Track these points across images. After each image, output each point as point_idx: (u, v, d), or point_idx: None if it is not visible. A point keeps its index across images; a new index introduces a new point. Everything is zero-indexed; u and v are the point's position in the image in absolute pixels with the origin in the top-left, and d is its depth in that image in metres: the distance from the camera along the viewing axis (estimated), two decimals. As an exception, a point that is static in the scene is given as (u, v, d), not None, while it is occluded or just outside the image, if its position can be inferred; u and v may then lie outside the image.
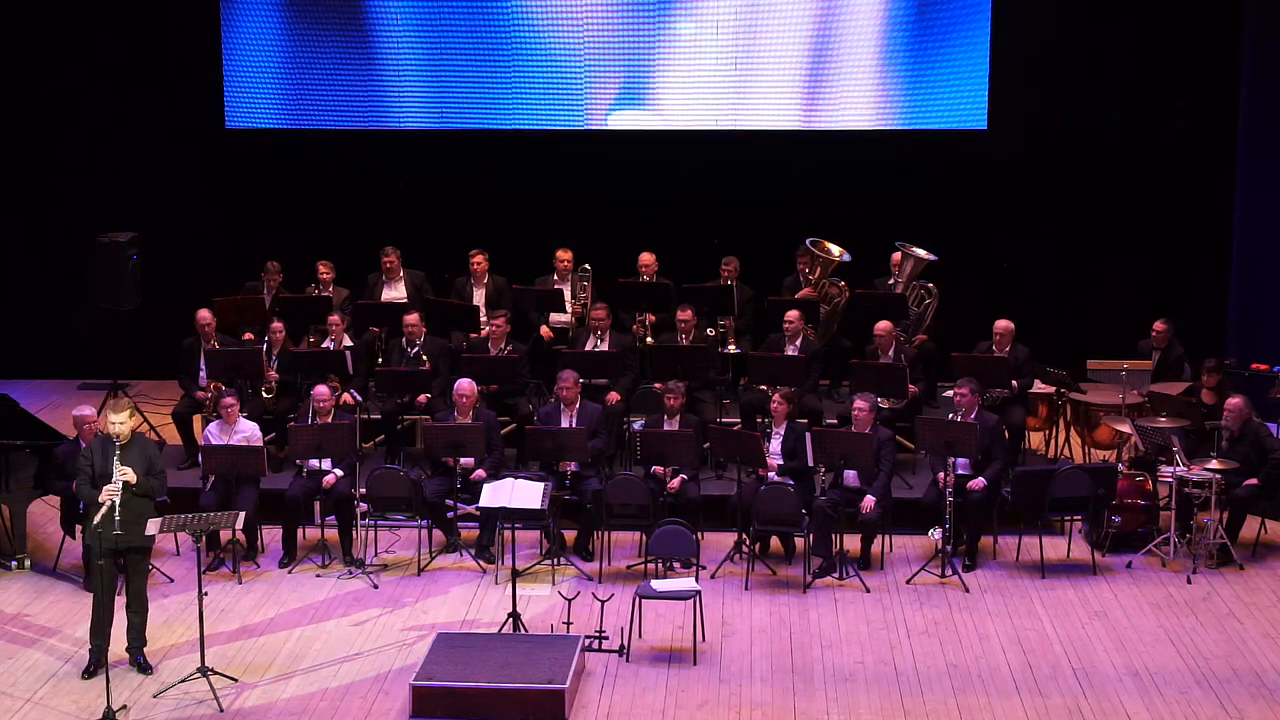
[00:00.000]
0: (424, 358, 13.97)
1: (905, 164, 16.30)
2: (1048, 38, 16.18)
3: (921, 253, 14.65)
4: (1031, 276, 16.40)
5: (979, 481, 12.39)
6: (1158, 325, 14.34)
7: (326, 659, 11.02)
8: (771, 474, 12.41)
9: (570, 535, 12.80)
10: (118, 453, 10.37)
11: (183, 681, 10.51)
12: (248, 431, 12.71)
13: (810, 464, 12.32)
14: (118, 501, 10.26)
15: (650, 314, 14.71)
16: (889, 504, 12.46)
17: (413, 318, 14.09)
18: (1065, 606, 11.82)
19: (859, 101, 16.20)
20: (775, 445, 12.60)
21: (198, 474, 12.97)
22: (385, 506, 12.62)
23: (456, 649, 10.56)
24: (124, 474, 10.33)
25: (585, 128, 16.46)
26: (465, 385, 12.80)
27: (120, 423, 10.41)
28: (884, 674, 10.75)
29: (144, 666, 10.76)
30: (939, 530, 12.25)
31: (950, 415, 12.72)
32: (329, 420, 12.68)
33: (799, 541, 12.49)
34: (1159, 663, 10.89)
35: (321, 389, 12.82)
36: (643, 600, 11.26)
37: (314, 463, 12.70)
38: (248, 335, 14.84)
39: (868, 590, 12.07)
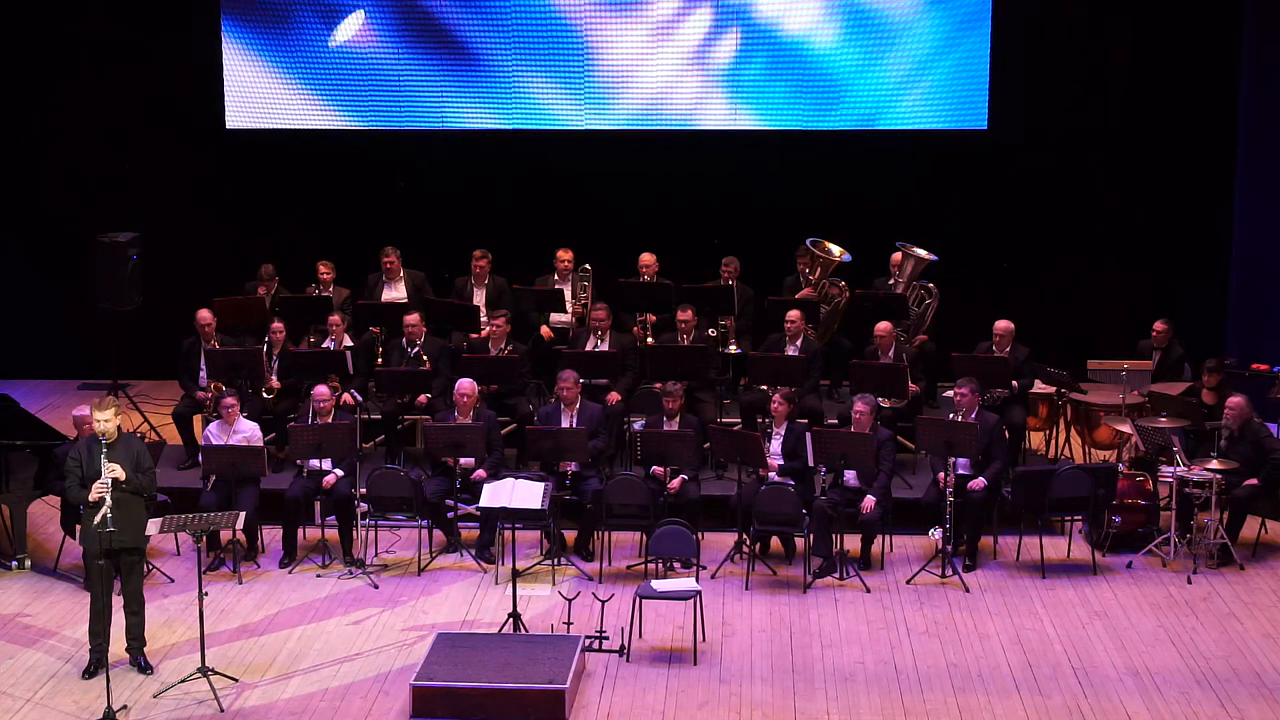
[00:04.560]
0: (424, 358, 13.98)
1: (905, 164, 16.31)
2: (1048, 37, 16.18)
3: (921, 253, 14.65)
4: (1031, 276, 16.40)
5: (979, 481, 12.40)
6: (1158, 325, 14.35)
7: (326, 659, 11.02)
8: (772, 474, 12.41)
9: (570, 535, 12.80)
10: (104, 451, 10.37)
11: (183, 681, 10.51)
12: (248, 431, 12.72)
13: (810, 464, 12.33)
14: (109, 498, 10.28)
15: (650, 314, 14.71)
16: (889, 504, 12.46)
17: (413, 318, 14.10)
18: (1065, 606, 11.82)
19: (859, 101, 16.20)
20: (775, 445, 12.60)
21: (198, 474, 12.96)
22: (385, 506, 12.63)
23: (456, 649, 10.57)
24: (112, 471, 10.34)
25: (585, 128, 16.47)
26: (466, 385, 12.81)
27: (105, 420, 10.38)
28: (884, 674, 10.76)
29: (144, 666, 10.76)
30: (939, 530, 12.25)
31: (950, 415, 12.72)
32: (329, 420, 12.68)
33: (799, 541, 12.49)
34: (1159, 663, 10.89)
35: (321, 389, 12.83)
36: (643, 600, 11.26)
37: (314, 463, 12.71)
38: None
39: (868, 590, 12.07)
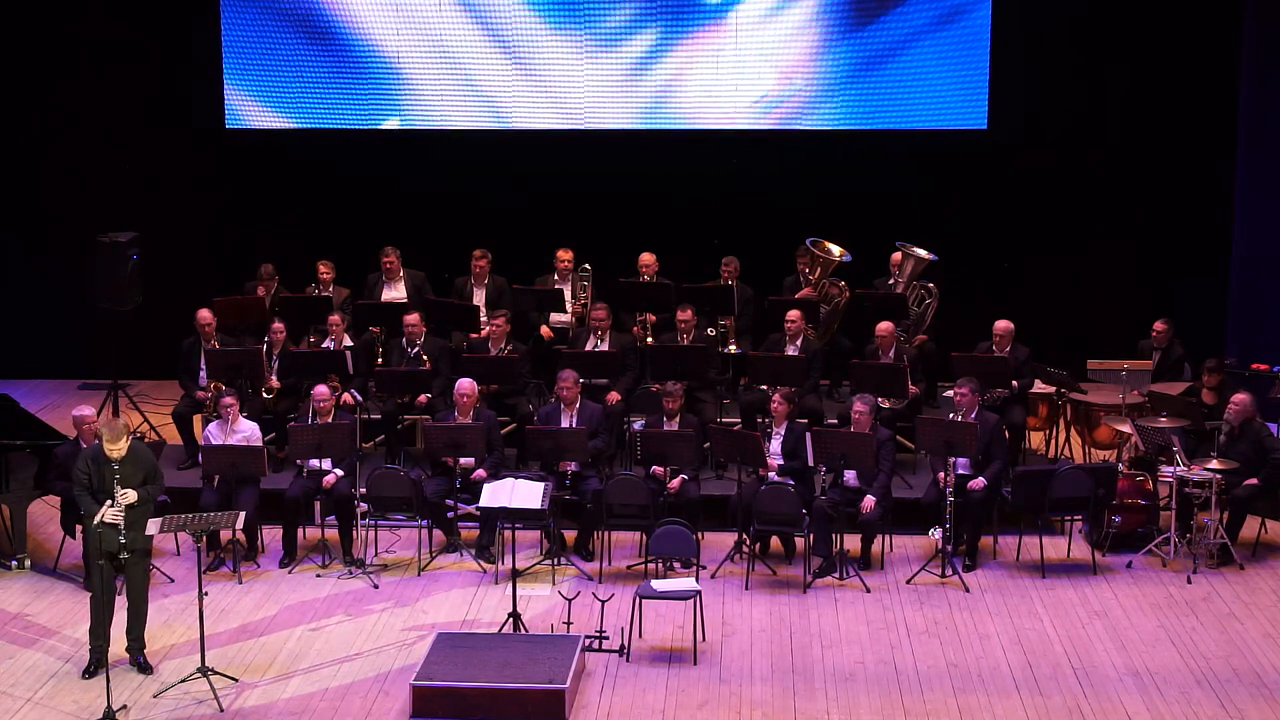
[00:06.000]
0: (424, 358, 13.98)
1: (905, 164, 16.31)
2: (1048, 37, 16.18)
3: (921, 253, 14.65)
4: (1031, 276, 16.40)
5: (979, 481, 12.39)
6: (1158, 325, 14.35)
7: (326, 659, 11.02)
8: (772, 474, 12.41)
9: (570, 535, 12.80)
10: (118, 475, 10.39)
11: (183, 681, 10.51)
12: (248, 431, 12.71)
13: (810, 464, 12.33)
14: (122, 525, 10.35)
15: (650, 314, 14.71)
16: (889, 504, 12.45)
17: (413, 318, 14.10)
18: (1065, 606, 11.82)
19: (859, 101, 16.20)
20: (775, 445, 12.60)
21: (198, 474, 12.96)
22: (385, 506, 12.63)
23: (456, 649, 10.57)
24: (125, 497, 10.41)
25: (585, 128, 16.46)
26: (466, 385, 12.81)
27: (118, 450, 10.44)
28: (884, 674, 10.75)
29: (144, 666, 10.77)
30: (939, 530, 12.25)
31: (950, 415, 12.72)
32: (329, 420, 12.68)
33: (799, 541, 12.49)
34: (1159, 663, 10.89)
35: (321, 389, 12.82)
36: (643, 600, 11.26)
37: (314, 463, 12.70)
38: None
39: (868, 590, 12.07)
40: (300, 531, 12.75)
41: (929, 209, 16.11)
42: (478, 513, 12.45)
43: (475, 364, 13.69)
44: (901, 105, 16.19)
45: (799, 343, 13.97)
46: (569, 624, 11.23)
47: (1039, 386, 14.10)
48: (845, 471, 12.31)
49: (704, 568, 12.31)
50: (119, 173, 16.93)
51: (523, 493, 11.50)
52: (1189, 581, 12.20)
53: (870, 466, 12.28)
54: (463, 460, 12.64)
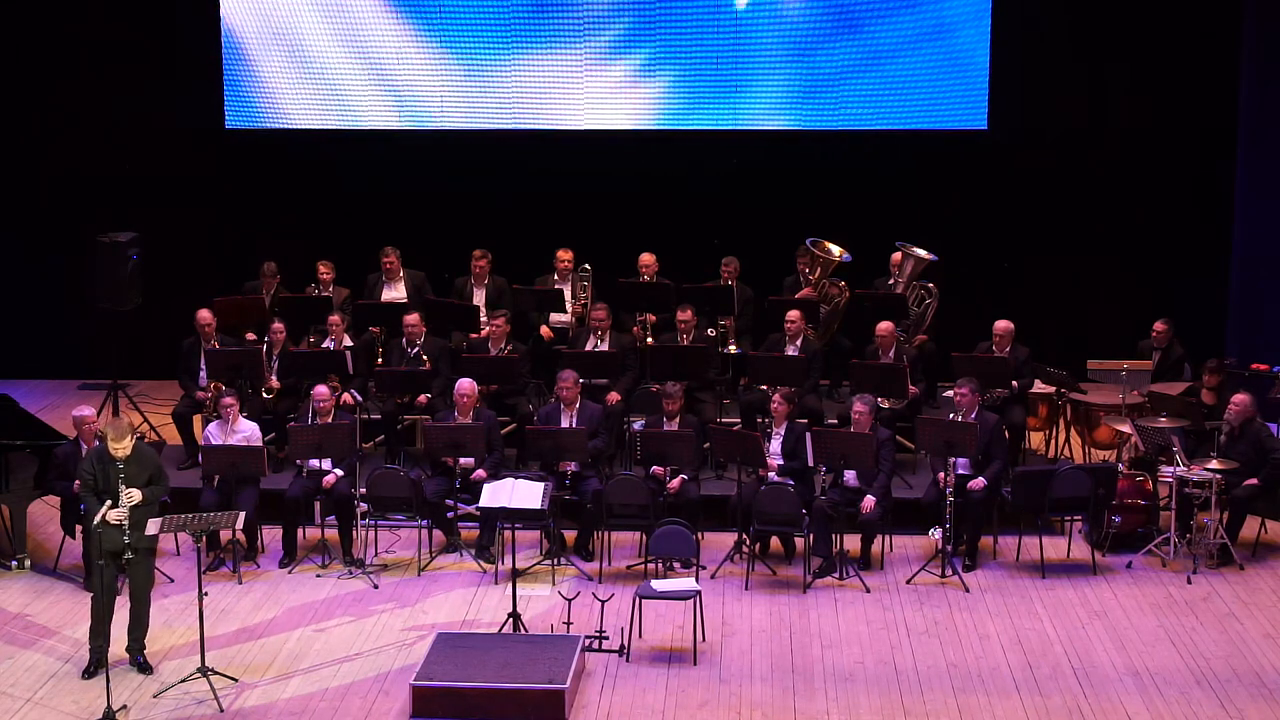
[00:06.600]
0: (424, 358, 13.98)
1: (905, 164, 16.31)
2: (1048, 37, 16.19)
3: (921, 253, 14.65)
4: (1031, 276, 16.40)
5: (979, 481, 12.39)
6: (1158, 325, 14.35)
7: (326, 659, 11.02)
8: (771, 474, 12.41)
9: (570, 535, 12.80)
10: (123, 475, 10.40)
11: (183, 681, 10.52)
12: (248, 431, 12.72)
13: (810, 464, 12.33)
14: (126, 525, 10.38)
15: (650, 314, 14.71)
16: (889, 504, 12.46)
17: (413, 318, 14.10)
18: (1065, 606, 11.82)
19: (859, 101, 16.20)
20: (775, 445, 12.60)
21: (198, 474, 12.95)
22: (385, 506, 12.64)
23: (456, 649, 10.57)
24: (130, 498, 10.43)
25: (585, 128, 16.46)
26: (466, 385, 12.81)
27: (123, 449, 10.45)
28: (884, 674, 10.76)
29: (144, 666, 10.77)
30: (939, 530, 12.25)
31: (950, 415, 12.72)
32: (329, 420, 12.68)
33: (799, 541, 12.49)
34: (1159, 663, 10.89)
35: (321, 389, 12.83)
36: (643, 600, 11.26)
37: (314, 463, 12.71)
38: (250, 336, 14.85)
39: (868, 590, 12.07)
40: (300, 531, 12.75)
41: (929, 209, 16.11)
42: (478, 513, 12.45)
43: (475, 364, 13.69)
44: (902, 105, 16.18)
45: (799, 343, 13.97)
46: (569, 624, 11.23)
47: (1039, 386, 14.10)
48: (845, 471, 12.32)
49: (704, 568, 12.31)
50: (119, 173, 16.93)
51: (523, 493, 11.51)
52: (1189, 581, 12.20)
53: (870, 466, 12.28)
54: (463, 460, 12.64)
